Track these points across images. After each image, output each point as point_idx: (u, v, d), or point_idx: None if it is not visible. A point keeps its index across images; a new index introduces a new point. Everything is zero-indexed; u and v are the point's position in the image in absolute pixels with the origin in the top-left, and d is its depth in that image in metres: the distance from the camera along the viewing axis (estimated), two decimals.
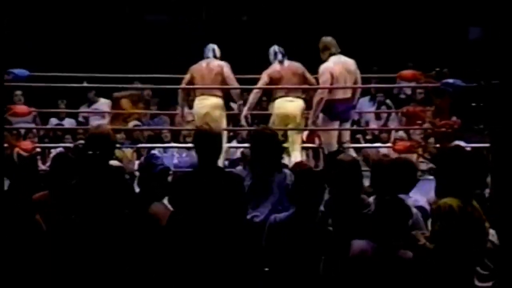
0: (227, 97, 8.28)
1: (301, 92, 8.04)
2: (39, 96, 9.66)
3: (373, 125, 10.63)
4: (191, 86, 8.10)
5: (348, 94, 7.75)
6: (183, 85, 8.13)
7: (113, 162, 5.96)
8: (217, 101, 7.96)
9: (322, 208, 4.48)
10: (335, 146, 7.75)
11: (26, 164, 4.44)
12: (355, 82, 7.84)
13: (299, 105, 7.98)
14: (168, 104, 10.84)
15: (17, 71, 8.00)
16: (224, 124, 8.07)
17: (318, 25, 11.44)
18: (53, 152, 8.51)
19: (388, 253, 4.09)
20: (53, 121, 10.57)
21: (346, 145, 7.88)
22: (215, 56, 8.07)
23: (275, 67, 8.03)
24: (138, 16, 12.73)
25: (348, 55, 7.86)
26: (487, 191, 4.70)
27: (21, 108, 8.43)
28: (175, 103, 9.91)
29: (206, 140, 4.63)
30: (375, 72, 10.37)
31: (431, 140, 8.74)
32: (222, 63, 8.04)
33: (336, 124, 7.85)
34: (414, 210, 4.43)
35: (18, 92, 9.79)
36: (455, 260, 4.07)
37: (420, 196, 4.83)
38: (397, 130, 9.73)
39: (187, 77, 8.08)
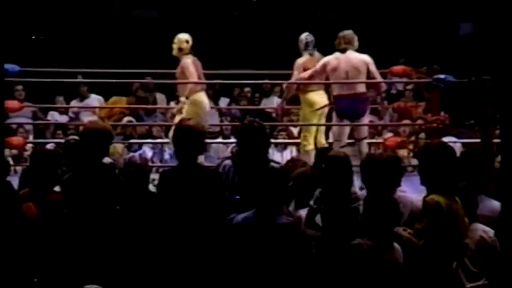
0: None
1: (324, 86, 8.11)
2: (37, 92, 9.64)
3: (366, 121, 10.62)
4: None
5: (356, 90, 7.60)
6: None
7: (105, 159, 5.96)
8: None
9: (311, 203, 4.49)
10: (344, 143, 7.70)
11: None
12: (372, 78, 7.68)
13: (326, 99, 8.09)
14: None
15: (7, 66, 7.97)
16: None
17: (310, 20, 11.46)
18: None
19: (384, 251, 4.10)
20: (54, 114, 10.54)
21: (363, 141, 7.80)
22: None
23: (306, 59, 8.05)
24: (126, 11, 12.72)
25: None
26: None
27: (12, 103, 8.41)
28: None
29: (187, 136, 4.63)
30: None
31: (422, 135, 8.76)
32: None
33: (345, 122, 7.76)
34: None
35: (19, 87, 9.78)
36: (443, 256, 4.10)
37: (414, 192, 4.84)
38: (388, 125, 9.73)
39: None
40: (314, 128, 8.15)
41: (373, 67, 7.64)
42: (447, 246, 4.10)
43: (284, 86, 7.87)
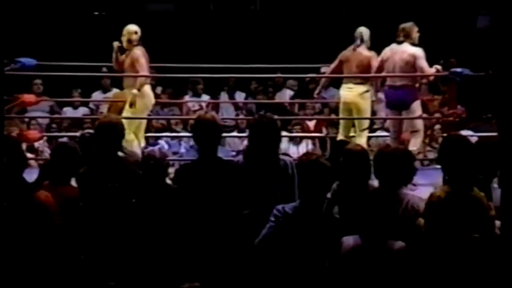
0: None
1: (362, 79, 8.01)
2: (55, 86, 9.67)
3: (382, 114, 10.59)
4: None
5: (397, 82, 7.58)
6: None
7: (129, 151, 5.98)
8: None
9: (329, 195, 4.47)
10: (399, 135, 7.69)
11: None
12: (417, 71, 7.63)
13: (358, 92, 7.96)
14: (178, 93, 10.88)
15: (24, 60, 7.99)
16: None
17: (325, 13, 11.44)
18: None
19: (378, 246, 4.06)
20: (68, 111, 10.58)
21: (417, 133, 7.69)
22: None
23: (348, 51, 8.03)
24: (141, 5, 12.73)
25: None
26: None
27: (29, 97, 8.43)
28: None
29: (206, 129, 4.63)
30: None
31: (437, 127, 8.72)
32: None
33: (394, 113, 7.73)
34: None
35: (38, 81, 9.82)
36: (445, 250, 4.07)
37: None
38: (405, 119, 9.68)
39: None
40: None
41: (420, 62, 7.55)
42: (447, 241, 4.07)
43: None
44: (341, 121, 8.13)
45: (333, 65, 8.04)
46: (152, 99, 7.99)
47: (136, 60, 7.84)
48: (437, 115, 8.65)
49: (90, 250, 4.48)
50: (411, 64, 7.53)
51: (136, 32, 7.95)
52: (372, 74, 7.73)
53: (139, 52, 7.88)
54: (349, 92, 7.96)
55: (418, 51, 7.56)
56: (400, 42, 7.61)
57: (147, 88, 7.90)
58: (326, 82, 8.42)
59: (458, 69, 7.90)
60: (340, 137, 7.93)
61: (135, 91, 7.76)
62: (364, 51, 7.88)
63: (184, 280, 4.21)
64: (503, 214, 3.55)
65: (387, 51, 7.66)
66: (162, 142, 9.58)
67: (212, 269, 4.44)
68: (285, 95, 10.73)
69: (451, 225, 4.07)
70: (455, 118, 8.18)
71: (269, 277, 4.28)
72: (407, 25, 7.67)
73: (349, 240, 4.10)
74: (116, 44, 8.01)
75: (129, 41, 7.94)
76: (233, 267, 4.45)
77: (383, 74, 7.62)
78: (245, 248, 4.42)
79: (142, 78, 7.80)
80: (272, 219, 4.31)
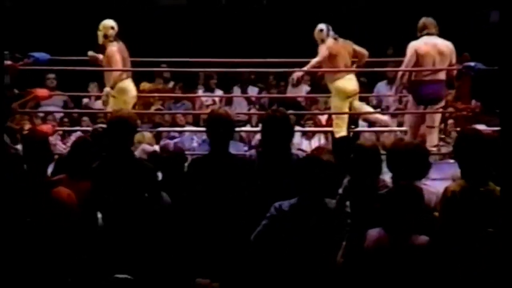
0: None
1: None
2: (70, 80, 9.69)
3: (394, 109, 10.56)
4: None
5: (438, 76, 7.58)
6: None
7: (147, 147, 5.99)
8: None
9: (340, 191, 4.47)
10: (416, 131, 7.65)
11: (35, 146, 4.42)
12: (450, 65, 7.65)
13: (356, 82, 8.15)
14: (190, 88, 10.88)
15: (37, 54, 8.01)
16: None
17: (334, 5, 11.41)
18: (73, 135, 8.57)
19: (401, 240, 4.05)
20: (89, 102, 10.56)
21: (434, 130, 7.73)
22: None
23: (331, 42, 8.05)
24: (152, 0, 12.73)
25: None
26: None
27: (42, 91, 8.45)
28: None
29: (219, 124, 4.63)
30: (391, 54, 10.32)
31: (450, 121, 8.68)
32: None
33: (420, 108, 7.70)
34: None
35: (51, 76, 9.84)
36: (460, 244, 4.05)
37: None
38: (417, 113, 9.65)
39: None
40: (346, 115, 8.14)
41: (454, 55, 7.62)
42: (463, 235, 4.04)
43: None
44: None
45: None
46: (132, 94, 7.94)
47: (111, 57, 7.83)
48: (450, 109, 8.61)
49: (104, 245, 4.49)
50: (447, 57, 7.54)
51: (112, 28, 7.91)
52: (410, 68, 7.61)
53: (114, 48, 7.85)
54: (352, 82, 8.06)
55: (451, 45, 7.57)
56: (431, 35, 7.57)
57: (126, 84, 7.86)
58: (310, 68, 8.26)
59: (472, 63, 7.87)
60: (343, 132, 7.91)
61: (107, 89, 7.77)
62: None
63: (196, 276, 4.22)
64: (503, 213, 3.53)
65: (421, 46, 7.54)
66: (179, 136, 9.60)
67: (224, 265, 4.44)
68: (302, 90, 10.72)
69: (466, 219, 4.05)
70: (469, 113, 8.14)
71: (267, 274, 4.28)
72: (428, 19, 7.64)
73: (373, 233, 4.10)
74: (90, 53, 7.97)
75: (105, 36, 7.91)
76: (241, 263, 4.45)
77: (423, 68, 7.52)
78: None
79: (116, 75, 7.78)
80: (268, 215, 4.33)
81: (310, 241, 4.24)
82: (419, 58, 7.55)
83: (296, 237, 4.25)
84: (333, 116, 8.32)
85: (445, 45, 7.61)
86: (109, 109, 7.73)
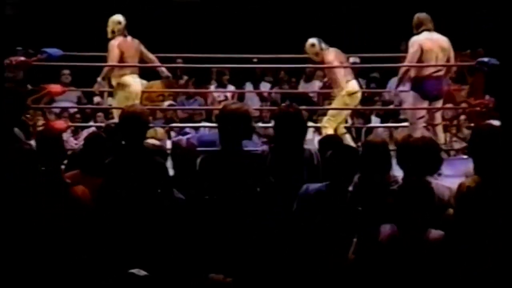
0: None
1: None
2: (83, 76, 9.71)
3: (408, 105, 10.51)
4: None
5: (440, 71, 7.58)
6: None
7: (153, 141, 6.00)
8: None
9: (351, 188, 4.46)
10: (419, 127, 7.59)
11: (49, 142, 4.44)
12: (448, 60, 7.66)
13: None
14: (202, 83, 10.88)
15: (50, 50, 8.03)
16: None
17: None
18: (85, 131, 8.59)
19: (414, 236, 4.04)
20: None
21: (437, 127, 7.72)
22: None
23: (333, 52, 8.07)
24: None
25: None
26: None
27: (55, 87, 8.46)
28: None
29: (231, 120, 4.63)
30: (405, 49, 10.28)
31: (462, 117, 8.66)
32: None
33: (425, 104, 7.66)
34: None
35: (66, 71, 9.85)
36: (476, 239, 4.03)
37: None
38: (430, 109, 9.62)
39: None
40: (343, 115, 8.13)
41: (451, 51, 7.62)
42: (480, 230, 4.03)
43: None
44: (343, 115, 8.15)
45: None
46: (134, 89, 7.93)
47: (109, 52, 7.89)
48: (463, 105, 8.58)
49: (116, 241, 4.50)
50: (446, 53, 7.53)
51: (119, 22, 7.95)
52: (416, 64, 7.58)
53: (113, 43, 7.89)
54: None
55: (448, 40, 7.56)
56: (429, 30, 7.55)
57: (126, 79, 7.88)
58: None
59: (485, 59, 7.84)
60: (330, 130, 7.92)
61: (99, 79, 7.86)
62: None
63: (209, 271, 4.23)
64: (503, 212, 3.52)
65: (424, 41, 7.52)
66: (191, 131, 9.60)
67: (236, 260, 4.45)
68: (314, 86, 10.70)
69: (481, 215, 4.03)
70: (482, 108, 8.11)
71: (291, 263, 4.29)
72: (423, 14, 7.62)
73: (385, 229, 4.09)
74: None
75: (113, 31, 7.97)
76: (253, 258, 4.46)
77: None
78: (265, 237, 4.44)
79: (109, 69, 7.83)
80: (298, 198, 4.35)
81: (329, 229, 4.24)
82: (423, 54, 7.52)
83: (317, 223, 4.25)
84: (329, 112, 8.27)
85: (445, 40, 7.60)
86: (110, 102, 7.75)
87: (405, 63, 7.67)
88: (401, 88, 7.92)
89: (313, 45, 8.09)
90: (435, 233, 4.05)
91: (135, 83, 7.97)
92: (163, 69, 8.27)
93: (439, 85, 7.61)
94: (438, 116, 7.78)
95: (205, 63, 9.30)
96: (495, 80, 8.42)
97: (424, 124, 7.67)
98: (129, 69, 7.93)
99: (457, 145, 8.25)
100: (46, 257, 4.25)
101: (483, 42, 8.78)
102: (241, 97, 10.61)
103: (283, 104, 5.32)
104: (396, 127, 9.10)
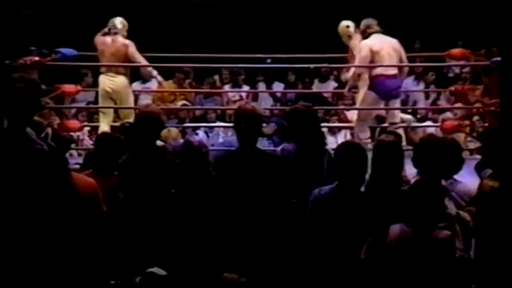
0: None
1: None
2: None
3: (422, 104, 10.51)
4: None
5: (394, 70, 7.71)
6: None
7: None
8: None
9: (362, 189, 4.45)
10: (367, 125, 7.84)
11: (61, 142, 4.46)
12: (400, 60, 7.80)
13: None
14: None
15: (65, 50, 8.06)
16: None
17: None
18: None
19: (424, 235, 4.03)
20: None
21: (396, 125, 7.78)
22: None
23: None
24: None
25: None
26: None
27: (69, 87, 8.48)
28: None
29: (247, 120, 4.63)
30: (419, 47, 10.27)
31: (476, 118, 8.63)
32: None
33: (381, 103, 7.79)
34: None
35: (89, 72, 9.87)
36: (497, 241, 4.02)
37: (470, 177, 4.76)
38: (445, 109, 9.61)
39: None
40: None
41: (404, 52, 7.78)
42: (500, 231, 4.01)
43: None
44: None
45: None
46: (103, 87, 8.08)
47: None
48: (477, 104, 8.55)
49: (131, 239, 4.51)
50: (397, 53, 7.68)
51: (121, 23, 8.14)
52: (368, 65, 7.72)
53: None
54: None
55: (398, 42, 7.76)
56: (378, 33, 7.69)
57: (100, 77, 8.09)
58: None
59: (500, 58, 7.81)
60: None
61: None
62: None
63: (224, 270, 4.23)
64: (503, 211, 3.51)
65: (374, 43, 7.64)
66: (200, 132, 9.61)
67: (251, 260, 4.45)
68: (329, 86, 10.70)
69: (506, 215, 4.01)
70: (497, 108, 8.07)
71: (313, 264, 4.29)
72: (369, 19, 7.81)
73: (395, 228, 4.08)
74: None
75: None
76: (268, 258, 4.45)
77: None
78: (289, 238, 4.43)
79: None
80: (309, 204, 4.35)
81: (347, 229, 4.24)
82: (374, 55, 7.64)
83: (334, 224, 4.24)
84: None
85: (394, 41, 7.76)
86: None
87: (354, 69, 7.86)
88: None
89: (348, 26, 8.14)
90: (443, 233, 4.04)
91: (102, 82, 8.11)
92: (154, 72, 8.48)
93: (397, 84, 7.76)
94: (397, 114, 7.90)
95: (217, 63, 9.29)
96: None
97: (387, 124, 7.81)
98: (103, 68, 8.10)
99: (472, 145, 8.22)
100: (54, 256, 4.25)
101: (498, 41, 8.75)
102: (254, 97, 10.63)
103: (299, 103, 5.35)
104: (415, 127, 9.04)
